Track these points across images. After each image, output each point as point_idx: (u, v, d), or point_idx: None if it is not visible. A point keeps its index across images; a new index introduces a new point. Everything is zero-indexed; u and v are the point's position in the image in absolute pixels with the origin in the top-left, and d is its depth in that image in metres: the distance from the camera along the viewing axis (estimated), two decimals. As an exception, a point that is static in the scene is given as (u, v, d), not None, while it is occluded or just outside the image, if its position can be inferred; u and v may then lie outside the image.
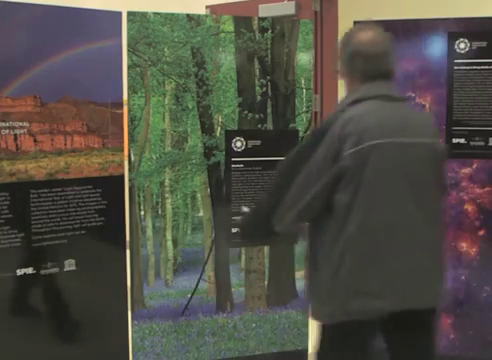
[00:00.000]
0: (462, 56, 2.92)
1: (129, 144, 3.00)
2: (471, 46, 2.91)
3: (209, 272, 3.13)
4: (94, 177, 2.85)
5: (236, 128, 3.06)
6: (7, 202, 2.62)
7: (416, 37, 2.97)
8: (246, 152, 3.05)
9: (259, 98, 3.10)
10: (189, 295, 3.11)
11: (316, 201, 1.90)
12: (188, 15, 3.00)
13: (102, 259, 2.89)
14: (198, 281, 3.12)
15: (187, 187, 3.08)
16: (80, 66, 2.77)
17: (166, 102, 3.03)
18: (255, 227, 2.21)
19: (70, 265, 2.81)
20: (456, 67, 2.93)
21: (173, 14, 2.98)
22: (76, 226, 2.81)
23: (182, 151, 3.05)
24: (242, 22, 3.09)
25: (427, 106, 2.98)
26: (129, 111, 2.97)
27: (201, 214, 3.13)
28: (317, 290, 1.99)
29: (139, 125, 3.00)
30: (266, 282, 3.19)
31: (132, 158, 3.00)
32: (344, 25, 3.95)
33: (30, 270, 2.70)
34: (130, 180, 2.99)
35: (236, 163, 3.01)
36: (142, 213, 3.04)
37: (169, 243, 3.10)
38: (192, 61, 3.02)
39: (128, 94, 2.96)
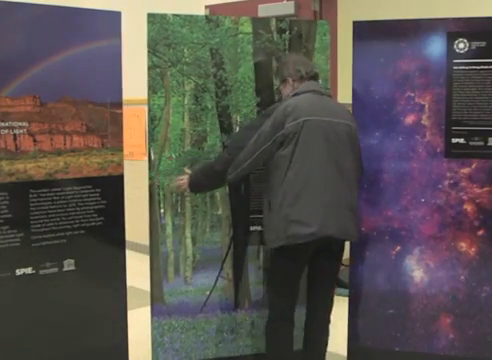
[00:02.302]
0: (461, 56, 2.92)
1: (149, 143, 3.06)
2: (470, 46, 2.91)
3: (227, 269, 3.17)
4: (93, 177, 2.86)
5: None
6: (6, 202, 2.63)
7: (415, 37, 2.96)
8: None
9: (277, 98, 3.11)
10: (208, 292, 3.14)
11: (263, 155, 2.67)
12: (207, 16, 3.05)
13: (101, 259, 2.90)
14: (217, 278, 3.15)
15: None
16: (79, 66, 2.78)
17: (186, 102, 3.07)
18: (208, 180, 2.89)
19: (69, 265, 2.81)
20: (455, 67, 2.93)
21: (192, 16, 3.03)
22: (75, 226, 2.82)
23: (201, 150, 3.10)
24: (260, 23, 3.12)
25: (426, 106, 2.98)
26: (149, 111, 3.03)
27: (220, 212, 3.17)
28: (269, 223, 2.67)
29: (159, 125, 3.05)
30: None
31: (152, 157, 3.05)
32: (343, 25, 3.97)
33: (29, 270, 2.70)
34: (150, 178, 3.05)
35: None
36: (162, 211, 3.08)
37: (188, 241, 3.14)
38: (211, 62, 3.06)
39: (148, 94, 3.01)
